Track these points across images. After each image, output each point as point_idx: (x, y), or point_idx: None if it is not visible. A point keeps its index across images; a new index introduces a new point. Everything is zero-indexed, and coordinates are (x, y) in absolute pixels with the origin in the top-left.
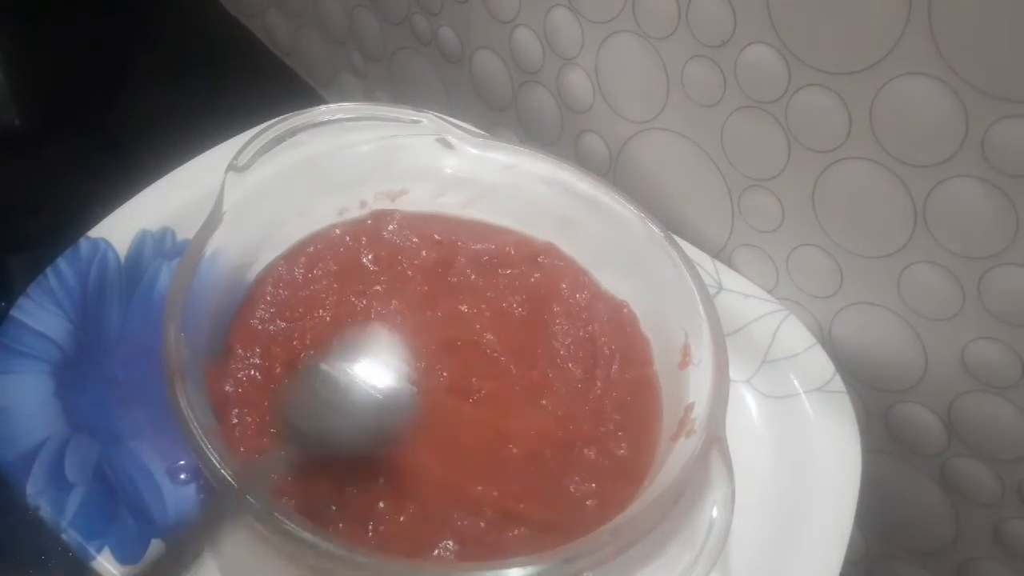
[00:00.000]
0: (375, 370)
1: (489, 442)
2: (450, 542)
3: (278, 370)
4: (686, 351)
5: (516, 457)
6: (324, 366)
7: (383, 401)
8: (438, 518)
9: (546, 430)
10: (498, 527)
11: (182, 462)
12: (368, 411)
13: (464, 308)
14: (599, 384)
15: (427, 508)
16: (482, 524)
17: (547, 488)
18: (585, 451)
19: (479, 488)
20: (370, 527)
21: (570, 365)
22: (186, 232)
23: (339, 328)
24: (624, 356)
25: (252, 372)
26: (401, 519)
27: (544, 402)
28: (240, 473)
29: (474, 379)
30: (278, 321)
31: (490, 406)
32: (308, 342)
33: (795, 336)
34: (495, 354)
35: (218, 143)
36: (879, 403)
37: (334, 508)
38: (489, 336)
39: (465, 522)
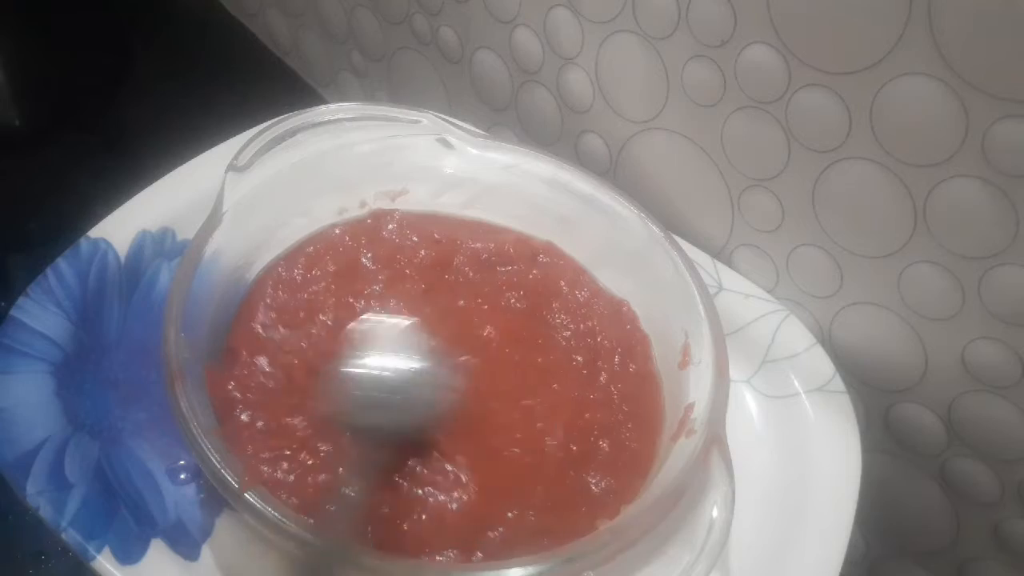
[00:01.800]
0: (397, 355)
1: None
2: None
3: (281, 376)
4: (686, 351)
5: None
6: (348, 369)
7: (418, 376)
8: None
9: (555, 421)
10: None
11: (182, 462)
12: (411, 389)
13: (462, 303)
14: (604, 375)
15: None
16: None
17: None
18: (600, 442)
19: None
20: (369, 530)
21: (572, 356)
22: (186, 232)
23: (343, 331)
24: (625, 351)
25: (255, 375)
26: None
27: (556, 386)
28: (318, 524)
29: (469, 368)
30: (279, 326)
31: (496, 399)
32: (313, 347)
33: (795, 336)
34: (495, 349)
35: (218, 143)
36: (879, 403)
37: (333, 508)
38: (488, 330)
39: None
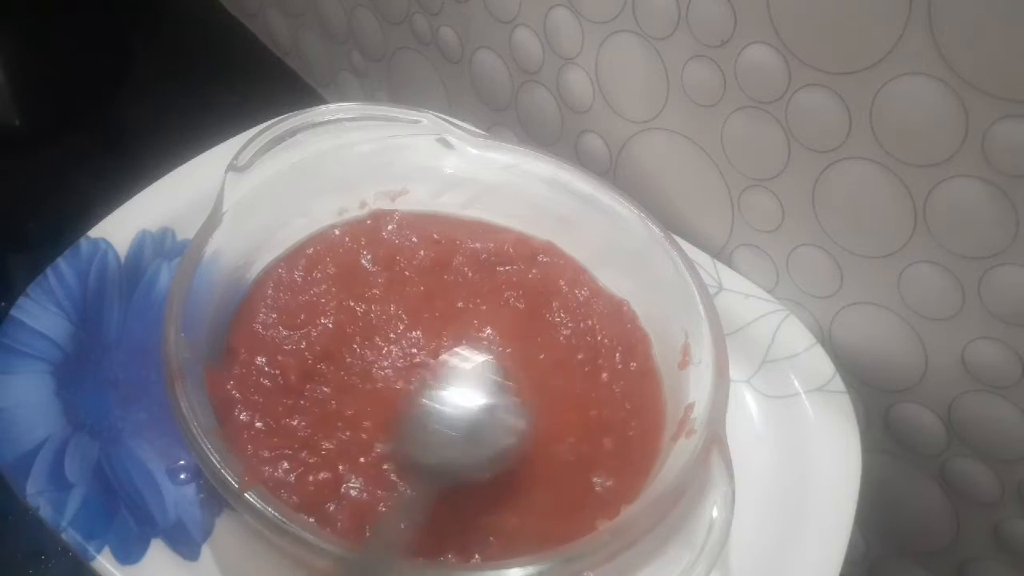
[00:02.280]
0: (472, 392)
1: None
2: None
3: (281, 376)
4: (686, 351)
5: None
6: (426, 400)
7: (491, 418)
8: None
9: (555, 423)
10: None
11: (182, 462)
12: (480, 430)
13: (461, 304)
14: (605, 374)
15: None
16: (491, 539)
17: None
18: (604, 440)
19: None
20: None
21: (573, 354)
22: (186, 232)
23: (342, 334)
24: (626, 349)
25: (255, 375)
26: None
27: (557, 384)
28: (372, 533)
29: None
30: (280, 328)
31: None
32: (313, 348)
33: (795, 336)
34: (495, 346)
35: (218, 143)
36: (879, 403)
37: (333, 508)
38: (488, 330)
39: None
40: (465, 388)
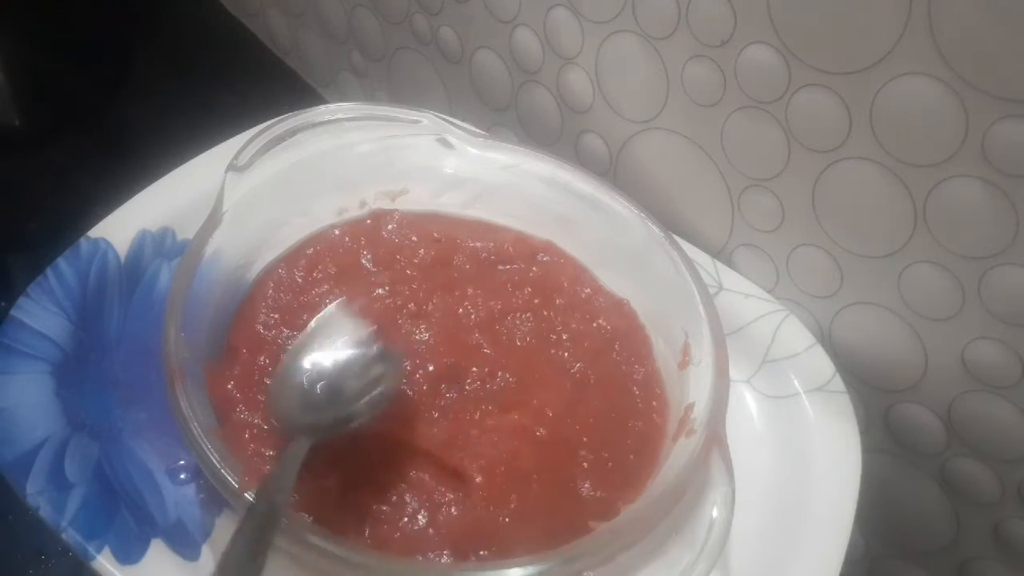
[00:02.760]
0: (340, 344)
1: (497, 434)
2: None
3: None
4: (686, 351)
5: (529, 452)
6: (293, 360)
7: (353, 371)
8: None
9: (554, 421)
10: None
11: (182, 462)
12: (342, 385)
13: (462, 303)
14: (605, 373)
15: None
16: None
17: (559, 490)
18: (604, 440)
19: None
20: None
21: (571, 354)
22: (186, 232)
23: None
24: (626, 348)
25: (255, 374)
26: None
27: (557, 384)
28: (259, 490)
29: (474, 368)
30: (282, 328)
31: (496, 397)
32: None
33: (795, 336)
34: (496, 344)
35: (218, 143)
36: (879, 403)
37: (333, 507)
38: (488, 329)
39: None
40: (326, 342)
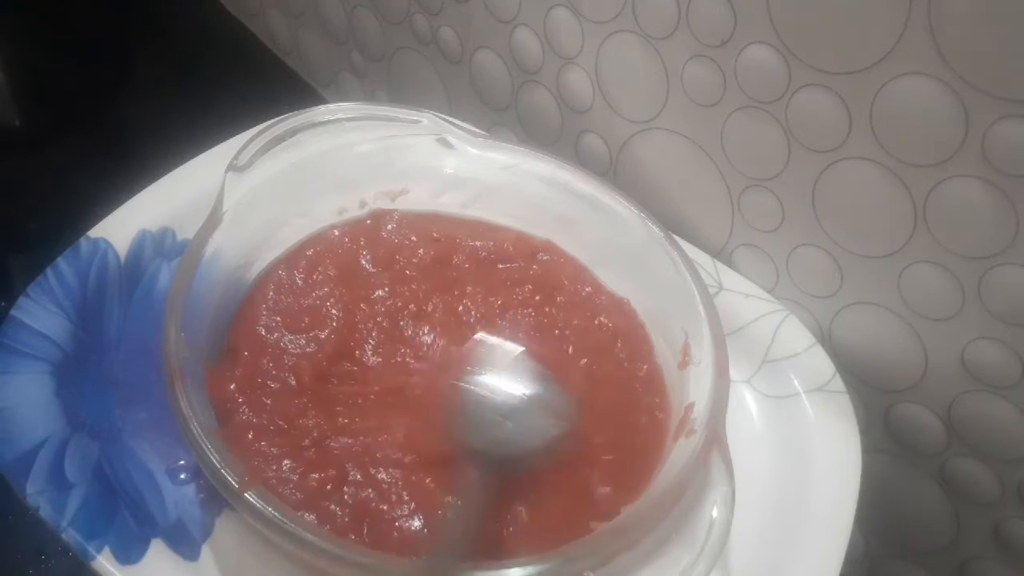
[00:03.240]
0: (513, 380)
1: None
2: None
3: (282, 376)
4: (686, 351)
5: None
6: (469, 387)
7: (538, 405)
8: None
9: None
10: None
11: (182, 462)
12: (528, 416)
13: (461, 301)
14: (605, 373)
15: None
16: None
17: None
18: (604, 440)
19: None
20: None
21: (573, 353)
22: (186, 232)
23: (344, 333)
24: (628, 345)
25: (255, 375)
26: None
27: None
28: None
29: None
30: (282, 328)
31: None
32: (313, 348)
33: (795, 336)
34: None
35: (218, 143)
36: (879, 403)
37: (333, 506)
38: (490, 326)
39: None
40: (504, 376)
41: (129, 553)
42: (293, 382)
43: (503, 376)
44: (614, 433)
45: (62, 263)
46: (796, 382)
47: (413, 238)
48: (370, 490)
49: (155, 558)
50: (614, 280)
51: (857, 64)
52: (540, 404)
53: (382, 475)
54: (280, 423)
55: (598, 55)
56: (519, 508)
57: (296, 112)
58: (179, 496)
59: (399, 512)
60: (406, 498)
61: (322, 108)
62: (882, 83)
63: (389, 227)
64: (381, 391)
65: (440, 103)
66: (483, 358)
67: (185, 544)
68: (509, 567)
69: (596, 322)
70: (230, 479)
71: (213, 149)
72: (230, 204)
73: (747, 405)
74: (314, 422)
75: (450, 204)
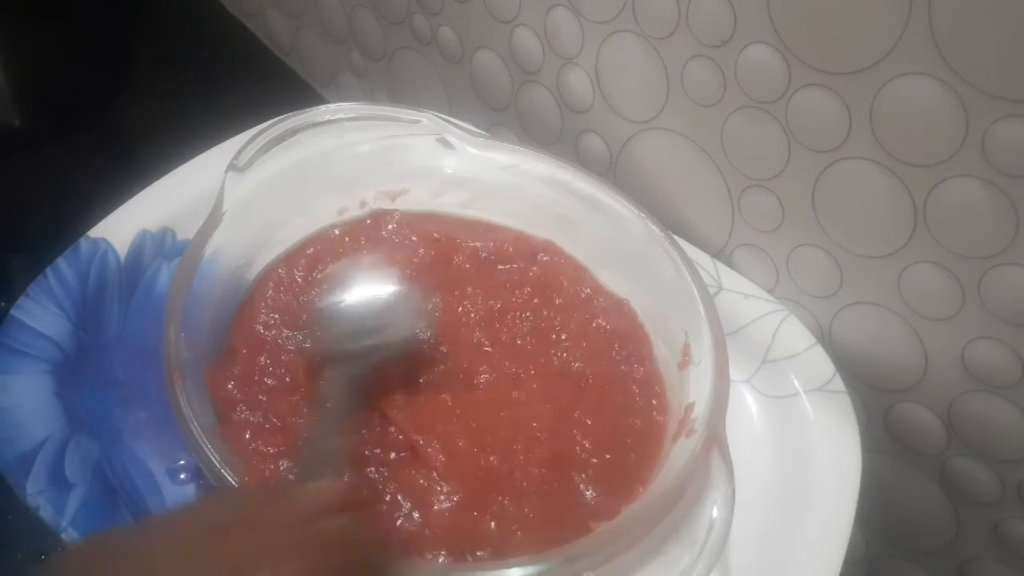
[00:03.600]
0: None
1: (496, 434)
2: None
3: (282, 375)
4: (686, 351)
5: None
6: (334, 305)
7: (394, 306)
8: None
9: (555, 422)
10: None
11: (182, 462)
12: (389, 315)
13: (461, 302)
14: (605, 373)
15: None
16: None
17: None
18: (604, 440)
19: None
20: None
21: (573, 353)
22: (186, 232)
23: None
24: (626, 347)
25: (255, 374)
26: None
27: (557, 383)
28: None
29: (467, 365)
30: (282, 328)
31: (496, 394)
32: (313, 347)
33: (795, 336)
34: (496, 343)
35: (218, 143)
36: (879, 403)
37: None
38: (489, 327)
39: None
40: (362, 286)
41: None
42: (288, 379)
43: (364, 286)
44: (608, 435)
45: (62, 263)
46: (796, 382)
47: (413, 238)
48: (364, 490)
49: None
50: (614, 280)
51: (857, 64)
52: (402, 308)
53: (374, 475)
54: (275, 421)
55: (598, 55)
56: (511, 508)
57: (296, 112)
58: (179, 496)
59: (395, 510)
60: (400, 498)
61: (322, 108)
62: (882, 83)
63: (389, 227)
64: (378, 389)
65: (440, 103)
66: (347, 275)
67: None
68: (509, 567)
69: (594, 325)
70: (230, 479)
71: (213, 149)
72: (230, 204)
73: (747, 405)
74: (303, 420)
75: (450, 204)
